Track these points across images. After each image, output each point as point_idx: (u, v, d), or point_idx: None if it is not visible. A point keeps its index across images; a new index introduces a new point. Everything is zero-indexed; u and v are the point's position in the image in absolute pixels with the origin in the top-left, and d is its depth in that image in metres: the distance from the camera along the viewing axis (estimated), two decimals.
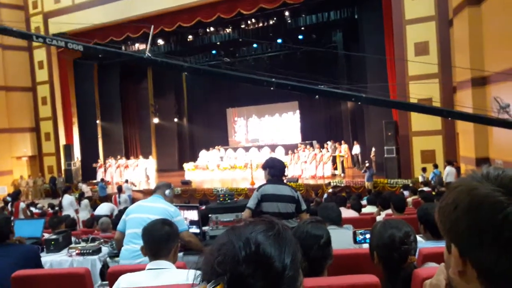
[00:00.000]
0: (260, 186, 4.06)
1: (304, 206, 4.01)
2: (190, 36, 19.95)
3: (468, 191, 0.72)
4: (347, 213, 5.92)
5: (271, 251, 0.80)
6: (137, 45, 21.24)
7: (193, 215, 4.50)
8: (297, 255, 0.84)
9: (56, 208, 11.02)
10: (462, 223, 0.71)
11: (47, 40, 6.37)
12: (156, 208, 3.47)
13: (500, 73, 8.98)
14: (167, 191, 3.73)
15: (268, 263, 0.80)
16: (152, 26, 6.88)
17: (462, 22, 10.94)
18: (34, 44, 20.37)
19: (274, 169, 4.06)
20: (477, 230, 0.69)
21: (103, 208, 9.61)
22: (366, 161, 15.91)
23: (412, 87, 13.39)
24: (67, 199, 10.16)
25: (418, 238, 2.37)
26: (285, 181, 4.33)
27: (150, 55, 6.11)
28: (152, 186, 18.32)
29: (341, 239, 3.06)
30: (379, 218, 5.35)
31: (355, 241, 2.91)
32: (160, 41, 20.65)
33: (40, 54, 20.40)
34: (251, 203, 4.01)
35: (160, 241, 2.31)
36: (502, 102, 6.40)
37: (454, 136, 12.99)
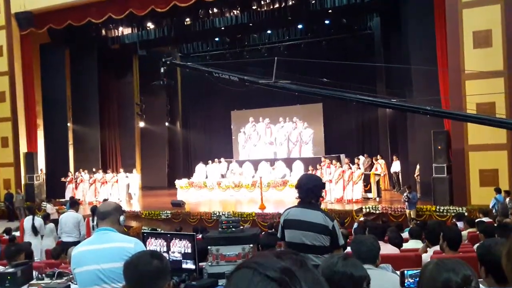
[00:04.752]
0: (286, 209, 4.09)
1: (341, 241, 3.92)
2: (187, 19, 20.11)
3: None
4: (384, 248, 5.86)
5: None
6: (121, 29, 21.48)
7: (186, 246, 4.49)
8: None
9: (14, 234, 11.05)
10: None
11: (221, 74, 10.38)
12: (109, 251, 3.18)
13: None
14: (121, 218, 3.39)
15: None
16: (276, 58, 9.37)
17: None
18: None
19: (301, 190, 4.02)
20: None
21: (68, 219, 9.66)
22: (407, 186, 15.62)
23: (469, 88, 13.31)
24: (37, 221, 10.28)
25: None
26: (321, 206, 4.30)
27: (277, 80, 9.34)
28: (136, 207, 18.43)
29: (379, 283, 3.02)
30: (426, 257, 5.28)
31: (403, 285, 2.87)
32: (150, 25, 20.84)
33: None
34: (279, 232, 4.08)
35: (148, 278, 2.30)
36: None
37: None
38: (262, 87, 19.12)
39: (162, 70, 12.70)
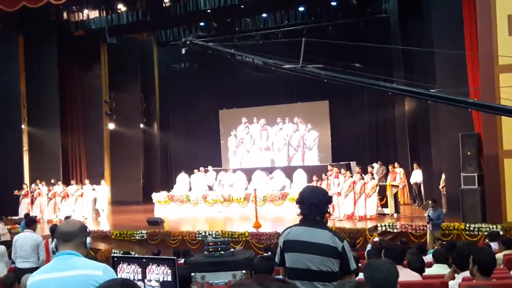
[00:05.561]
0: (286, 229, 4.11)
1: (353, 265, 3.94)
2: (166, 0, 20.12)
3: None
4: (403, 274, 5.87)
5: None
6: (86, 11, 21.45)
7: (166, 273, 4.48)
8: None
9: None
10: None
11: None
12: (73, 279, 3.16)
13: None
14: (88, 240, 3.44)
15: None
16: (304, 39, 10.11)
17: None
18: None
19: (304, 205, 4.05)
20: None
21: (25, 242, 9.60)
22: (431, 200, 15.53)
23: (503, 83, 13.35)
24: None
25: None
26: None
27: (305, 64, 10.21)
28: (104, 226, 18.34)
29: None
30: (453, 284, 5.30)
31: None
32: (121, 7, 20.84)
33: None
34: (277, 256, 4.10)
35: None
36: None
37: None
38: (256, 81, 19.25)
39: (183, 52, 13.90)
